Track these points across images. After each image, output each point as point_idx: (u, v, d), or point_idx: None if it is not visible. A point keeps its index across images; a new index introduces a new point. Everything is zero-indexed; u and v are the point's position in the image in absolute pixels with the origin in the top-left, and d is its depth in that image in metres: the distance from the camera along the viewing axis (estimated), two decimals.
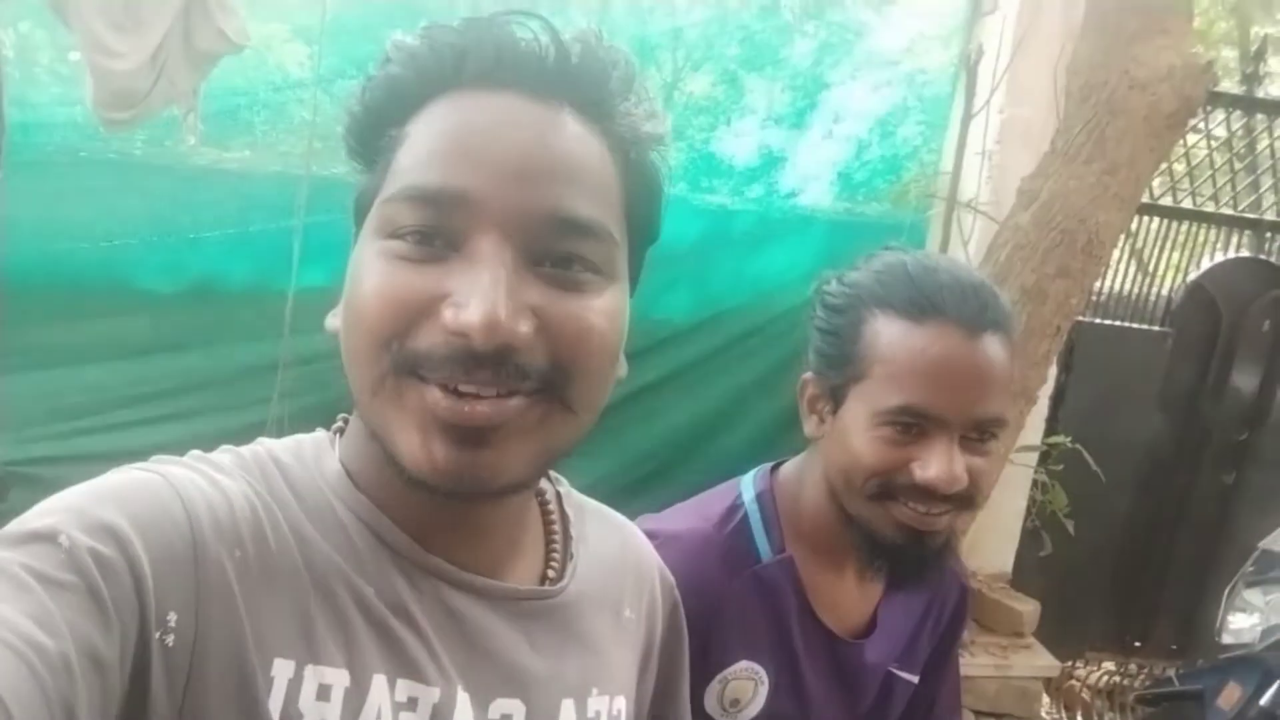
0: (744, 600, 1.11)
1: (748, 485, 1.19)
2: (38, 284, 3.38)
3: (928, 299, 1.02)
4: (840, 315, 1.08)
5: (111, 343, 3.60)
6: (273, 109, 3.83)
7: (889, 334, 1.03)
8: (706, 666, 1.09)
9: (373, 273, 0.59)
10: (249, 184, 3.65)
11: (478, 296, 0.56)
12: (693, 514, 1.17)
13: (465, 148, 0.59)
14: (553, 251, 0.60)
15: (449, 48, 0.61)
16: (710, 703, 1.11)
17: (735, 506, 1.16)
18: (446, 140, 0.60)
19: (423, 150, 0.60)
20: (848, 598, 1.19)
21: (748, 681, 1.12)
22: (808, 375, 1.14)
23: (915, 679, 1.27)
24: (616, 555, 0.83)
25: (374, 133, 0.64)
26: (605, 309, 0.62)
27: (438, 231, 0.59)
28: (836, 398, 1.08)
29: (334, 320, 0.66)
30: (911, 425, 1.01)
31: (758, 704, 1.13)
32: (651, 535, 1.06)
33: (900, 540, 1.05)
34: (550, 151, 0.60)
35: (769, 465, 1.24)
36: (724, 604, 1.09)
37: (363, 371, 0.60)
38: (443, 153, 0.59)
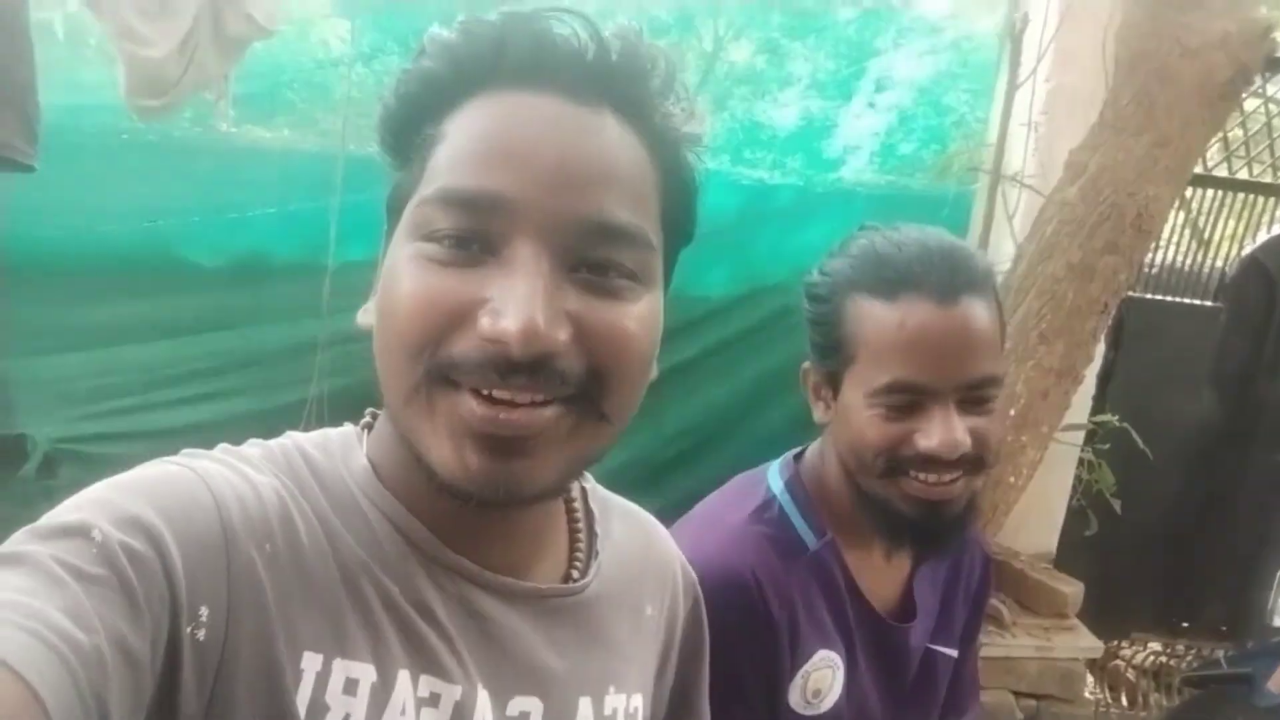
0: (807, 589, 1.12)
1: (774, 476, 1.20)
2: (83, 264, 3.45)
3: (897, 274, 1.04)
4: (823, 304, 1.11)
5: (156, 322, 3.66)
6: (313, 86, 3.86)
7: (867, 316, 1.05)
8: (794, 662, 1.10)
9: (408, 277, 0.58)
10: (289, 162, 3.69)
11: (515, 304, 0.55)
12: (727, 515, 1.16)
13: (504, 151, 0.58)
14: (590, 258, 0.59)
15: (486, 41, 0.60)
16: (795, 698, 1.12)
17: (768, 500, 1.16)
18: (485, 142, 0.59)
19: (460, 151, 0.59)
20: (879, 576, 1.20)
21: (827, 670, 1.13)
22: (807, 365, 1.16)
23: (954, 653, 1.28)
24: (640, 552, 0.83)
25: (409, 129, 0.63)
26: (641, 316, 0.61)
27: (474, 235, 0.58)
28: (834, 384, 1.11)
29: (365, 317, 0.66)
30: (904, 400, 1.03)
31: (836, 691, 1.14)
32: (699, 542, 1.04)
33: (916, 513, 1.06)
34: (590, 156, 0.59)
35: (791, 454, 1.24)
36: (794, 596, 1.10)
37: (397, 379, 0.59)
38: (481, 155, 0.59)
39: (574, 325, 0.57)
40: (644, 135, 0.63)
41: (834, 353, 1.09)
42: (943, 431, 1.01)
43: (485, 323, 0.55)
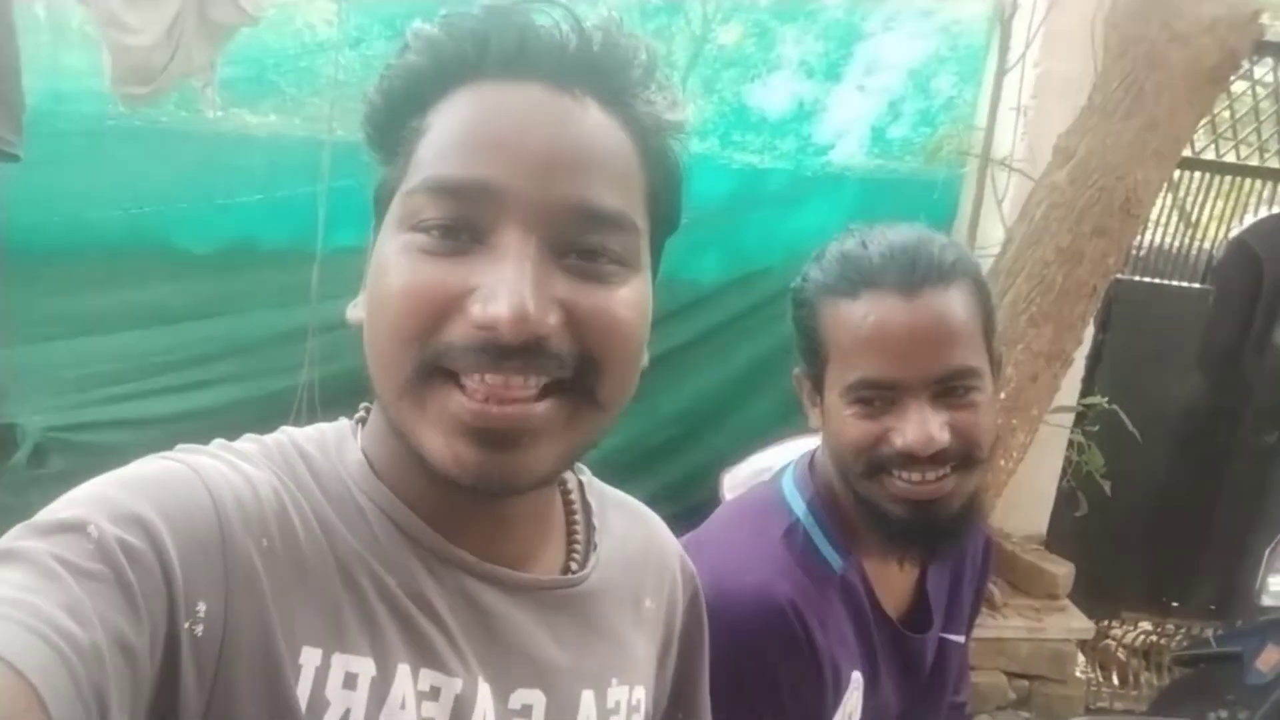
0: (837, 613, 1.11)
1: (794, 498, 1.17)
2: (71, 252, 3.43)
3: (857, 273, 1.04)
4: (802, 309, 1.11)
5: (145, 309, 3.64)
6: (299, 71, 3.82)
7: (834, 316, 1.06)
8: (836, 695, 1.09)
9: (397, 268, 0.59)
10: (277, 147, 3.66)
11: (505, 289, 0.55)
12: (755, 545, 1.13)
13: (489, 138, 0.58)
14: (578, 243, 0.59)
15: (469, 35, 0.60)
16: None
17: (792, 525, 1.14)
18: (470, 131, 0.59)
19: (445, 141, 0.59)
20: (894, 581, 1.19)
21: (856, 691, 1.12)
22: (797, 371, 1.16)
23: (962, 639, 1.28)
24: (638, 545, 0.83)
25: (394, 123, 0.63)
26: (630, 300, 0.61)
27: (462, 224, 0.58)
28: (819, 388, 1.11)
29: (355, 312, 0.66)
30: (875, 397, 1.03)
31: (859, 708, 1.13)
32: (732, 577, 1.03)
33: (906, 514, 1.04)
34: (575, 142, 0.59)
35: (805, 464, 1.21)
36: (829, 623, 1.09)
37: (389, 372, 0.59)
38: (466, 143, 0.59)
39: (564, 311, 0.58)
40: (627, 123, 0.63)
41: (814, 356, 1.09)
42: (916, 427, 0.99)
43: (476, 309, 0.56)
